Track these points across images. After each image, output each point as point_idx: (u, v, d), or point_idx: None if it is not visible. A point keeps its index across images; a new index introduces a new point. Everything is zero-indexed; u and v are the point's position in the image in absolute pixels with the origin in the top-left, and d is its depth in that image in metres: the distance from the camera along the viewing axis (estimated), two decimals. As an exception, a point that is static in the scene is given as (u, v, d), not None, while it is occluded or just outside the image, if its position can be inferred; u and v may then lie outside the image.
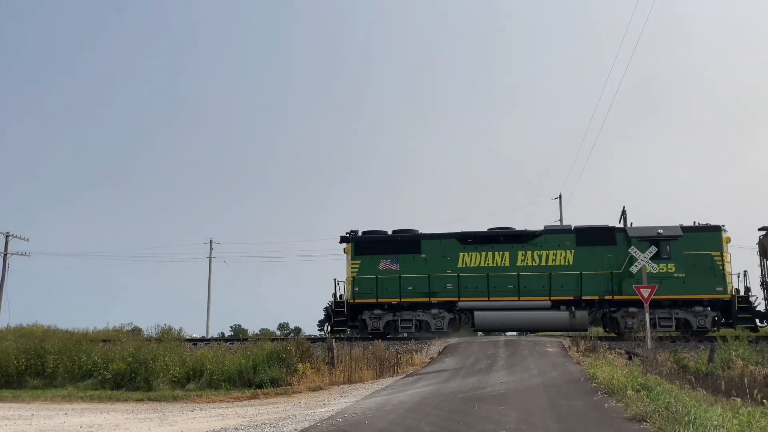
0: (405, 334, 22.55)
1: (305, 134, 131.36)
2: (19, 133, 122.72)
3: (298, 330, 58.03)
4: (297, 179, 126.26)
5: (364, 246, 23.76)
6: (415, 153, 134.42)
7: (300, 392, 15.48)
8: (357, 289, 23.15)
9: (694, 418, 7.24)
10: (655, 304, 20.20)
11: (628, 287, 20.36)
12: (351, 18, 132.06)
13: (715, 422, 6.90)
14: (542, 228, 23.14)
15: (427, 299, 22.66)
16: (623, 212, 35.44)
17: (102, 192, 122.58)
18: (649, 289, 17.70)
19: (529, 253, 22.54)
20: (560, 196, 41.69)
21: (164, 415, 12.66)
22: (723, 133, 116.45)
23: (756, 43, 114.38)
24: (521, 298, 22.08)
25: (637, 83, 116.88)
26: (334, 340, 18.87)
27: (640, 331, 19.58)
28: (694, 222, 22.14)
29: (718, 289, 20.91)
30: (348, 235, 24.08)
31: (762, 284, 22.33)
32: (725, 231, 21.76)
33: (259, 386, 16.37)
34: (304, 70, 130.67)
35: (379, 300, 22.94)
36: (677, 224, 22.04)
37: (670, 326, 21.20)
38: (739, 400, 7.86)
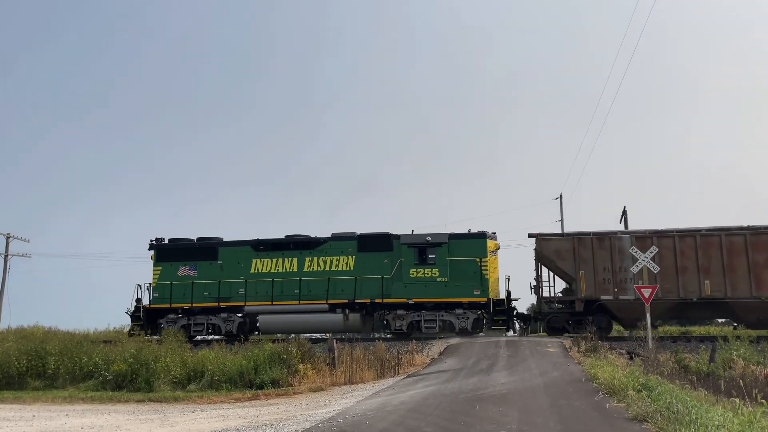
0: (199, 337, 24.37)
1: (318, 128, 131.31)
2: (18, 133, 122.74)
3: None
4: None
5: (165, 253, 25.07)
6: (415, 154, 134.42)
7: (301, 393, 15.48)
8: (156, 295, 24.57)
9: (696, 418, 7.23)
10: (420, 307, 22.70)
11: (397, 291, 22.81)
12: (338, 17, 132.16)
13: (717, 422, 6.89)
14: (329, 235, 24.35)
15: (216, 304, 23.88)
16: (624, 212, 35.56)
17: (102, 192, 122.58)
18: (650, 289, 17.70)
19: (315, 259, 23.95)
20: (561, 196, 41.70)
21: (165, 416, 12.66)
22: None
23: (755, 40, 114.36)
24: (302, 302, 23.29)
25: (637, 82, 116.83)
26: (335, 340, 18.89)
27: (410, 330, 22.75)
28: (469, 229, 23.72)
29: (476, 292, 22.47)
30: (153, 243, 25.51)
31: (532, 288, 23.52)
32: (493, 238, 23.48)
33: (260, 387, 16.36)
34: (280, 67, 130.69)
35: (173, 305, 24.22)
36: (447, 232, 23.44)
37: (434, 328, 22.71)
38: (738, 400, 7.84)
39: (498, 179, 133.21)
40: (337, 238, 24.11)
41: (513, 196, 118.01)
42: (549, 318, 22.81)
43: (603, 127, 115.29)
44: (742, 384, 10.05)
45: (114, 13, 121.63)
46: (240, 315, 23.91)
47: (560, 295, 22.97)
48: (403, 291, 22.84)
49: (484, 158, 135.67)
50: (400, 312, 22.91)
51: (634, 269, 22.05)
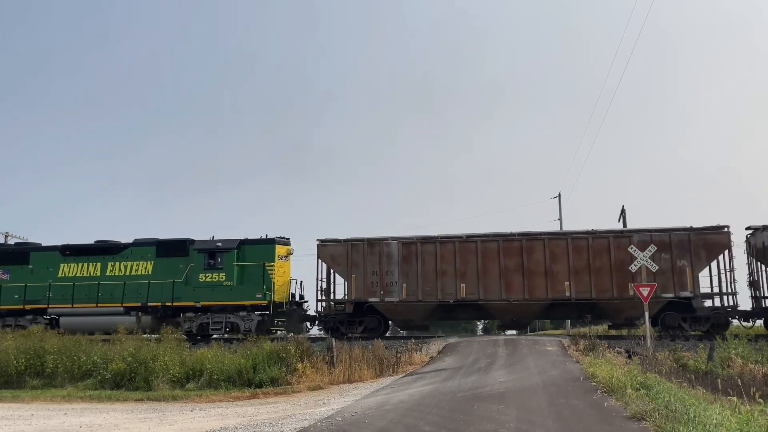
0: None
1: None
2: (17, 132, 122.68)
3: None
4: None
5: None
6: (405, 154, 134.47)
7: (300, 391, 15.48)
8: None
9: (694, 417, 7.23)
10: (207, 309, 23.96)
11: (187, 295, 23.98)
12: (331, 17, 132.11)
13: (715, 421, 6.90)
14: (132, 241, 25.61)
15: (21, 306, 25.15)
16: (622, 211, 35.66)
17: (101, 190, 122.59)
18: (648, 288, 17.73)
19: (117, 263, 25.15)
20: (559, 195, 41.74)
21: (164, 414, 12.66)
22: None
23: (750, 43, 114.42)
24: (100, 305, 24.47)
25: (635, 82, 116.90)
26: (333, 339, 18.90)
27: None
28: (265, 235, 24.82)
29: (258, 296, 23.62)
30: None
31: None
32: (283, 243, 24.83)
33: (259, 386, 16.36)
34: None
35: None
36: (240, 238, 24.62)
37: (219, 329, 23.82)
38: (735, 398, 7.84)
39: (498, 178, 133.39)
40: (138, 243, 25.45)
41: (512, 194, 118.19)
42: (325, 319, 23.87)
43: (601, 127, 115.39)
44: (740, 382, 10.04)
45: (108, 7, 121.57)
46: (46, 317, 25.08)
47: (339, 297, 24.22)
48: (192, 294, 24.01)
49: (479, 158, 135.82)
50: (189, 314, 24.10)
51: (633, 268, 22.13)
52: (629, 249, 21.76)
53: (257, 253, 24.11)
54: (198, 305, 23.92)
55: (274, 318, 23.76)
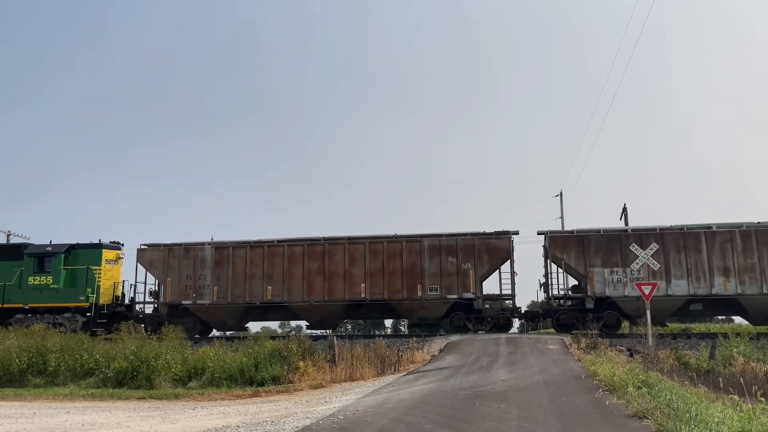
0: None
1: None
2: (18, 133, 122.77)
3: (299, 328, 58.14)
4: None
5: None
6: (412, 154, 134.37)
7: (301, 390, 15.49)
8: None
9: (695, 415, 7.23)
10: (35, 311, 24.77)
11: (17, 297, 24.87)
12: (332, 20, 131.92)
13: (716, 419, 6.89)
14: None
15: None
16: (624, 209, 35.60)
17: (101, 189, 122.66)
18: (650, 287, 17.73)
19: None
20: (561, 193, 41.72)
21: (166, 413, 12.66)
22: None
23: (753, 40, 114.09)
24: None
25: (637, 80, 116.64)
26: (335, 337, 18.91)
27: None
28: (99, 240, 25.92)
29: (81, 298, 24.70)
30: None
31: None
32: (113, 248, 25.83)
33: (261, 384, 16.36)
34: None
35: None
36: (71, 243, 25.51)
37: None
38: (736, 397, 7.84)
39: (499, 177, 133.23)
40: None
41: (516, 193, 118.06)
42: (144, 319, 25.26)
43: (603, 125, 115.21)
44: (741, 381, 10.03)
45: (108, 7, 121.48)
46: None
47: (157, 300, 25.57)
48: (22, 296, 24.94)
49: (483, 158, 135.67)
50: (19, 316, 24.92)
51: (635, 266, 22.16)
52: (630, 248, 21.85)
53: (85, 257, 25.22)
54: (26, 307, 24.85)
55: (96, 319, 24.73)
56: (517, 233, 24.11)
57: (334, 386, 15.73)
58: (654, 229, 22.69)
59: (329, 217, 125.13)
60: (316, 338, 21.55)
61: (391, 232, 24.40)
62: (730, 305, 22.66)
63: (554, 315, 23.39)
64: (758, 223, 22.36)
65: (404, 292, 23.40)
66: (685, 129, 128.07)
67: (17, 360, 18.27)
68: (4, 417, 12.38)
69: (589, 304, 22.64)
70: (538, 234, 24.39)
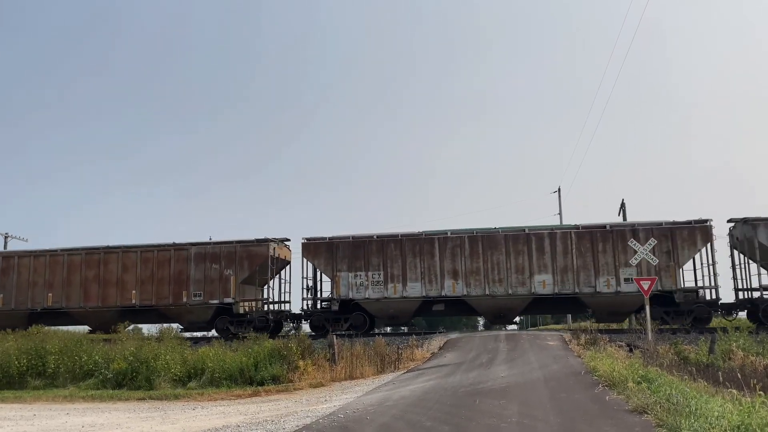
0: None
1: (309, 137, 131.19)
2: (16, 133, 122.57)
3: (298, 327, 58.13)
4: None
5: None
6: (413, 152, 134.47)
7: (301, 389, 15.49)
8: None
9: (695, 409, 7.23)
10: None
11: None
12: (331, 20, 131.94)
13: (716, 413, 6.89)
14: None
15: None
16: (622, 205, 35.65)
17: (101, 190, 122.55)
18: (649, 281, 17.75)
19: None
20: (559, 189, 41.75)
21: (166, 413, 12.66)
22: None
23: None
24: None
25: (634, 77, 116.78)
26: (334, 336, 18.92)
27: None
28: None
29: None
30: None
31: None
32: None
33: (261, 383, 16.37)
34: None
35: None
36: None
37: None
38: (735, 391, 7.84)
39: (498, 173, 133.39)
40: None
41: (513, 190, 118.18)
42: None
43: (602, 120, 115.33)
44: (740, 375, 10.04)
45: (104, 3, 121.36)
46: None
47: None
48: None
49: (481, 154, 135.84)
50: None
51: (633, 261, 22.20)
52: (629, 243, 21.90)
53: None
54: None
55: None
56: (288, 240, 26.11)
57: (334, 385, 15.73)
58: (396, 236, 24.22)
59: (327, 216, 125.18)
60: (315, 337, 21.56)
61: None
62: (466, 305, 24.07)
63: (309, 317, 24.59)
64: (487, 228, 24.00)
65: (170, 298, 24.83)
66: (683, 125, 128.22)
67: (16, 362, 18.26)
68: (4, 419, 12.37)
69: (335, 306, 23.97)
70: (302, 240, 25.65)
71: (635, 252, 22.53)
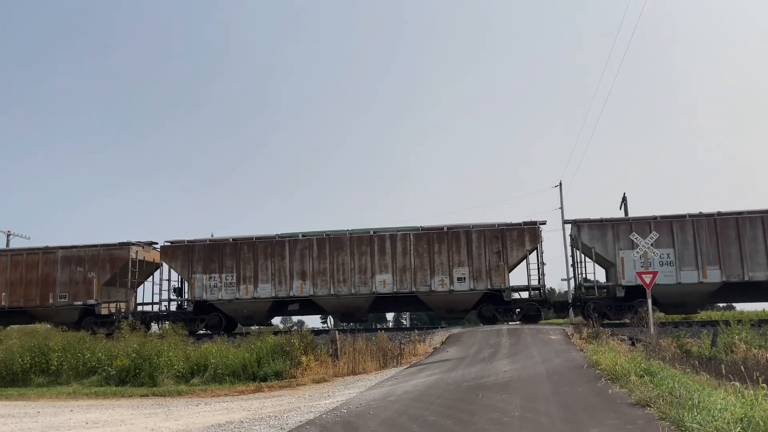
0: None
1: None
2: (17, 132, 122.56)
3: (301, 323, 58.27)
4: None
5: None
6: (413, 148, 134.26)
7: (304, 384, 15.50)
8: None
9: (698, 402, 7.22)
10: None
11: None
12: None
13: (719, 406, 6.89)
14: None
15: None
16: (624, 199, 35.58)
17: (102, 188, 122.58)
18: (651, 275, 17.72)
19: None
20: (560, 183, 41.67)
21: (169, 409, 12.68)
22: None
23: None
24: None
25: (634, 74, 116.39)
26: (337, 332, 18.94)
27: None
28: None
29: None
30: None
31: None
32: None
33: (264, 379, 16.38)
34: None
35: None
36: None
37: None
38: (738, 383, 7.83)
39: (500, 168, 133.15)
40: None
41: (515, 184, 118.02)
42: None
43: (602, 114, 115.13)
44: (743, 368, 10.03)
45: (81, 7, 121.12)
46: None
47: None
48: None
49: (482, 150, 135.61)
50: None
51: (636, 254, 22.19)
52: (630, 236, 21.88)
53: None
54: None
55: None
56: (156, 243, 26.98)
57: (337, 380, 15.74)
58: (251, 238, 25.34)
59: (342, 211, 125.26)
60: (318, 333, 21.59)
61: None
62: (314, 305, 25.40)
63: (169, 318, 25.30)
64: (336, 230, 25.15)
65: (38, 300, 25.96)
66: (686, 119, 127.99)
67: (20, 359, 18.30)
68: (8, 416, 12.40)
69: (189, 307, 25.03)
70: (161, 244, 26.66)
71: (469, 252, 23.71)
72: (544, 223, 24.71)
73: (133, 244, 26.28)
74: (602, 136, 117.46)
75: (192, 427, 9.78)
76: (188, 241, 25.61)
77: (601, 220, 23.55)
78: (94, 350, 18.41)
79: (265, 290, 24.72)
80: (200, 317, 24.98)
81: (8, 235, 43.26)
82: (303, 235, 24.85)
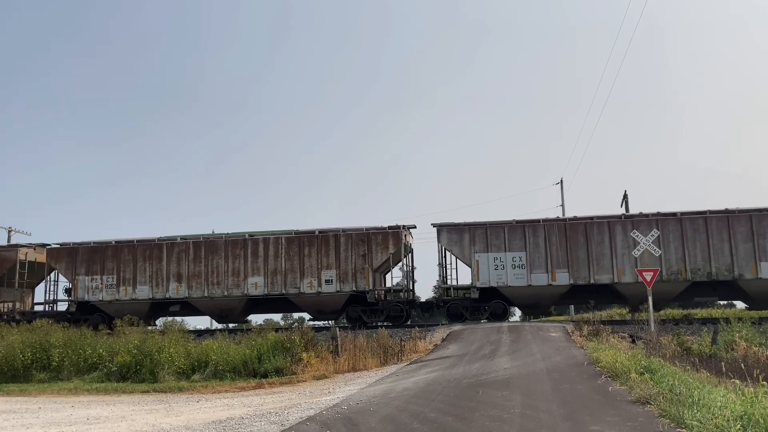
0: None
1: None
2: (19, 128, 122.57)
3: (302, 320, 58.29)
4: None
5: None
6: (412, 145, 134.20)
7: (305, 381, 15.52)
8: None
9: (698, 400, 7.23)
10: None
11: None
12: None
13: (719, 403, 6.89)
14: None
15: None
16: (625, 196, 35.59)
17: (103, 185, 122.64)
18: (651, 272, 17.73)
19: None
20: (561, 180, 41.68)
21: (170, 406, 12.69)
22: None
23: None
24: None
25: (634, 72, 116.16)
26: (338, 328, 18.96)
27: None
28: None
29: None
30: None
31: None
32: None
33: (264, 376, 16.41)
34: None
35: None
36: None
37: None
38: (738, 381, 7.83)
39: (501, 166, 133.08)
40: None
41: (516, 181, 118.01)
42: None
43: (603, 112, 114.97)
44: (743, 366, 10.03)
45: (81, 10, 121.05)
46: None
47: None
48: None
49: (485, 147, 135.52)
50: None
51: (636, 253, 22.24)
52: (631, 234, 21.92)
53: None
54: None
55: None
56: (45, 245, 27.46)
57: (338, 377, 15.76)
58: (132, 241, 26.28)
59: (331, 213, 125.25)
60: (318, 329, 21.63)
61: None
62: (189, 306, 26.37)
63: (53, 318, 25.30)
64: (213, 234, 26.22)
65: None
66: (687, 117, 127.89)
67: (21, 355, 18.32)
68: (9, 412, 12.42)
69: (72, 308, 25.86)
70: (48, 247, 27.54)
71: (337, 255, 24.51)
72: (413, 227, 25.71)
73: (22, 246, 27.53)
74: (604, 133, 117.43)
75: (193, 423, 9.79)
76: (74, 244, 26.65)
77: (459, 224, 24.17)
78: (95, 346, 18.43)
79: (143, 292, 25.72)
80: (84, 317, 25.67)
81: (9, 231, 43.29)
82: (182, 239, 25.83)
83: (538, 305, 24.73)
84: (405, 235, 24.75)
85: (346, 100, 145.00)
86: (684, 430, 6.55)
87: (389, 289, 25.25)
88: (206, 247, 25.46)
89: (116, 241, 26.51)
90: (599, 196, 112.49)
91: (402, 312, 24.25)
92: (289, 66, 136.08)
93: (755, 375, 8.01)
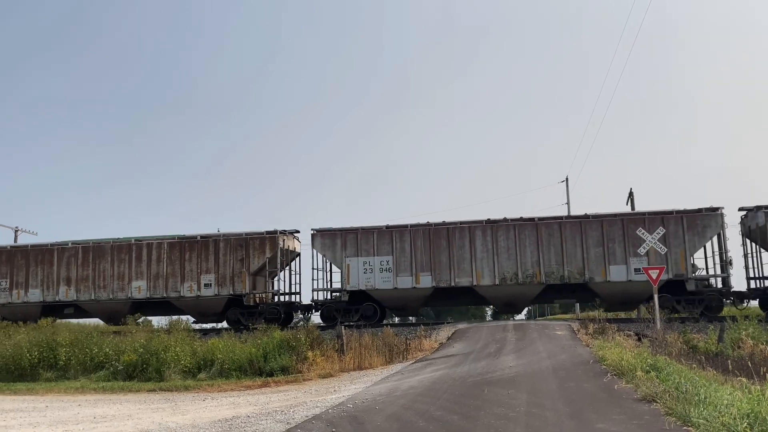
0: None
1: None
2: (24, 127, 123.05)
3: (307, 318, 58.43)
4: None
5: None
6: (415, 143, 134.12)
7: (310, 379, 15.55)
8: None
9: (704, 398, 7.21)
10: None
11: None
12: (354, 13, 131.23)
13: (725, 401, 6.87)
14: None
15: None
16: (630, 194, 35.48)
17: (108, 183, 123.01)
18: (657, 270, 17.67)
19: None
20: (567, 179, 41.58)
21: (176, 404, 12.74)
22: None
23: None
24: None
25: (640, 71, 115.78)
26: (343, 327, 18.98)
27: None
28: None
29: None
30: None
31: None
32: None
33: (270, 374, 16.44)
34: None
35: None
36: None
37: None
38: (744, 379, 7.80)
39: (508, 164, 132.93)
40: None
41: (522, 180, 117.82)
42: None
43: (608, 110, 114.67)
44: (750, 363, 10.00)
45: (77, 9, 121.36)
46: None
47: None
48: None
49: (489, 145, 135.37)
50: None
51: (641, 251, 22.16)
52: (638, 232, 21.87)
53: None
54: None
55: None
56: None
57: (343, 375, 15.78)
58: (25, 246, 27.22)
59: (335, 211, 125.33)
60: (324, 328, 21.67)
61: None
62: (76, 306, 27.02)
63: None
64: (101, 239, 26.66)
65: None
66: (692, 116, 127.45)
67: (28, 354, 18.41)
68: (17, 411, 12.48)
69: None
70: None
71: (216, 259, 25.26)
72: (297, 231, 26.36)
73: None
74: (610, 131, 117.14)
75: (199, 422, 9.83)
76: (11, 246, 27.47)
77: (332, 230, 24.70)
78: (101, 345, 18.51)
79: (35, 295, 26.68)
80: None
81: (16, 231, 43.50)
82: (72, 243, 26.61)
83: (406, 307, 25.32)
84: (284, 240, 25.53)
85: (346, 100, 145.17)
86: (690, 428, 6.53)
87: (273, 292, 26.08)
88: (94, 251, 26.42)
89: (11, 246, 27.94)
90: (605, 193, 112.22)
91: (279, 315, 24.84)
92: (289, 66, 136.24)
93: (762, 373, 7.99)
